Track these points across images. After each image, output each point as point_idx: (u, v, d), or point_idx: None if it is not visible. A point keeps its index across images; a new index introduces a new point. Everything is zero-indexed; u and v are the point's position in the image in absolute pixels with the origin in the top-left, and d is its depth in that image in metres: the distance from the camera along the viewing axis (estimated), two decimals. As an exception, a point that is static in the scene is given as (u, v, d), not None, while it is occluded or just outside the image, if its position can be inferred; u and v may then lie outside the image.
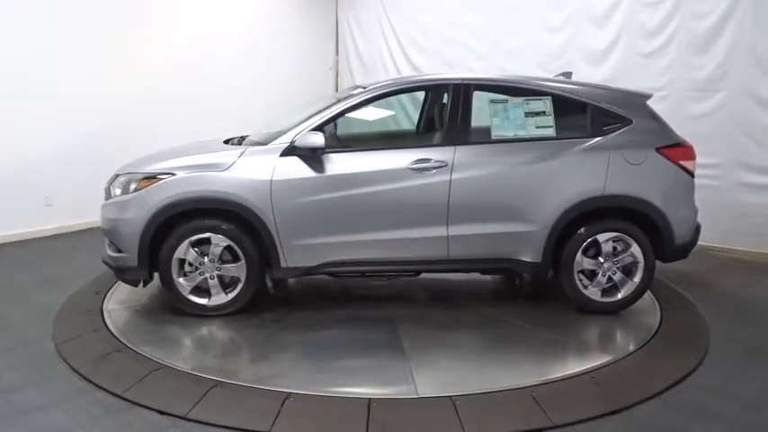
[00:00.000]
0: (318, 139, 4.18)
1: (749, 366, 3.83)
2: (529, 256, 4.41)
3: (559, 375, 3.59)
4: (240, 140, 4.76)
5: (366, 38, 9.89)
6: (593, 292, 4.45)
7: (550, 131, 4.42)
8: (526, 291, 5.00)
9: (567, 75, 4.99)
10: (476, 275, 4.76)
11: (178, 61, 8.06)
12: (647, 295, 4.74)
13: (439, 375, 3.62)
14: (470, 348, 4.03)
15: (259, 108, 8.38)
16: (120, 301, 4.76)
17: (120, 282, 4.78)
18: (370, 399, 3.27)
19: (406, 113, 6.67)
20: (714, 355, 3.94)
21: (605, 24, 7.11)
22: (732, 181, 6.33)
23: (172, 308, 4.48)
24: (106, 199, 4.47)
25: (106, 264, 4.46)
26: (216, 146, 4.66)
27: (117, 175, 4.46)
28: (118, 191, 4.35)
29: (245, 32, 8.97)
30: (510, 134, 4.43)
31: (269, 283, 5.04)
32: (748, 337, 4.30)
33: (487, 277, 5.25)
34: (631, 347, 4.01)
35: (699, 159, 4.63)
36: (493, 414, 3.20)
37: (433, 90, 4.79)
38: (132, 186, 4.28)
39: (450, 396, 3.31)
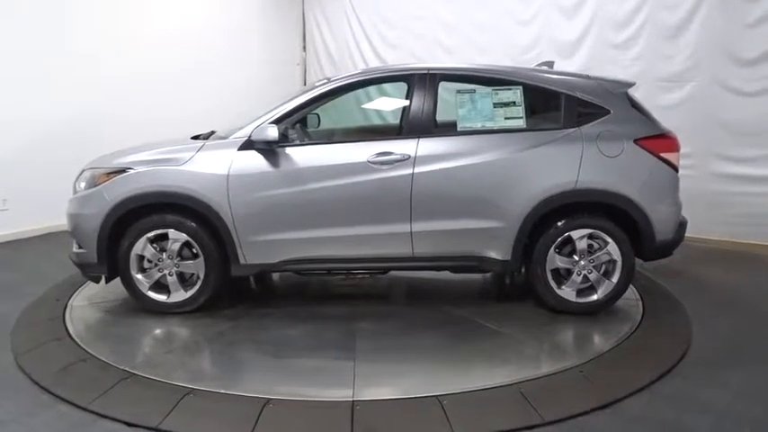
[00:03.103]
0: (273, 132, 3.95)
1: (734, 355, 3.72)
2: (497, 253, 4.14)
3: (543, 372, 3.42)
4: (208, 136, 4.48)
5: (334, 33, 9.68)
6: (567, 293, 4.19)
7: (520, 123, 4.16)
8: (506, 290, 4.83)
9: (549, 64, 4.75)
10: (449, 274, 4.49)
11: (146, 58, 7.76)
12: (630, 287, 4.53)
13: (388, 378, 3.41)
14: (434, 349, 3.76)
15: (227, 104, 8.07)
16: (84, 305, 4.56)
17: (83, 286, 4.80)
18: (353, 401, 3.08)
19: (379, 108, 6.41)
20: (698, 346, 3.80)
21: (575, 16, 7.08)
22: (705, 171, 6.30)
23: (137, 308, 4.32)
24: (74, 194, 4.34)
25: (71, 260, 4.29)
26: (180, 141, 4.42)
27: (83, 170, 4.34)
28: (83, 185, 4.24)
29: (211, 28, 8.70)
30: (477, 125, 4.17)
31: (252, 279, 4.91)
32: (730, 326, 4.19)
33: (461, 276, 4.97)
34: (616, 341, 3.84)
35: None
36: (482, 412, 3.02)
37: (398, 81, 4.51)
38: (94, 181, 4.18)
39: (437, 396, 3.12)
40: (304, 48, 10.16)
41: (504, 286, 4.99)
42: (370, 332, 4.00)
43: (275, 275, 5.14)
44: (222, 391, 3.17)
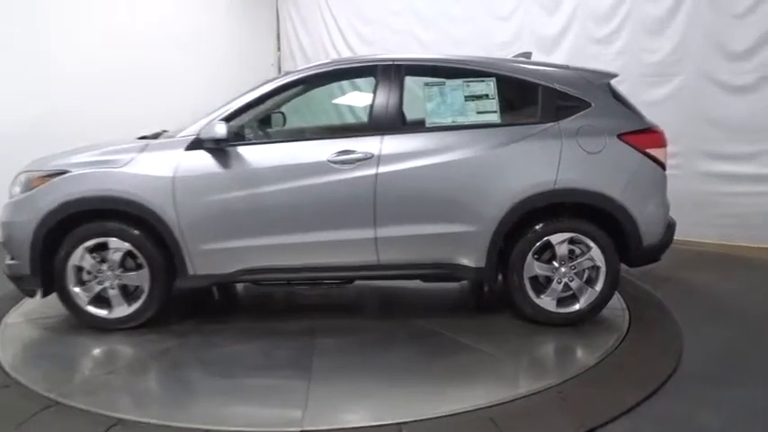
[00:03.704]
0: (221, 130, 3.61)
1: (730, 370, 3.39)
2: (470, 260, 3.79)
3: (520, 393, 3.07)
4: (157, 136, 4.10)
5: (309, 31, 9.35)
6: (547, 302, 3.84)
7: (494, 117, 3.83)
8: (484, 301, 4.51)
9: (527, 55, 4.41)
10: (422, 283, 4.16)
11: (109, 57, 7.33)
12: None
13: (344, 402, 3.05)
14: (399, 367, 3.40)
15: (198, 104, 7.61)
16: (19, 322, 4.17)
17: (22, 302, 4.40)
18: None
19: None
20: (690, 360, 3.48)
21: (556, 10, 6.80)
22: (693, 170, 5.99)
23: (79, 326, 3.92)
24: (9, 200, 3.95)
25: (4, 273, 3.91)
26: (125, 141, 4.04)
27: (19, 173, 3.95)
28: (17, 189, 3.87)
29: (180, 27, 8.29)
30: (447, 121, 3.83)
31: (214, 290, 4.57)
32: (724, 336, 3.86)
33: (436, 285, 4.60)
34: (600, 355, 3.49)
35: None
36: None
37: (361, 73, 4.16)
38: (29, 185, 3.82)
39: (397, 423, 2.78)
40: (279, 48, 9.80)
41: (482, 296, 4.63)
42: (330, 349, 3.64)
43: (239, 286, 4.77)
44: (154, 422, 2.80)
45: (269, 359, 3.51)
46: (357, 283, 4.45)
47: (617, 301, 4.27)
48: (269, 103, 4.11)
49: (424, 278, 4.03)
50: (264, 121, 4.38)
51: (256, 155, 3.75)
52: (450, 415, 2.85)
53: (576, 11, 6.60)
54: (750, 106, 5.66)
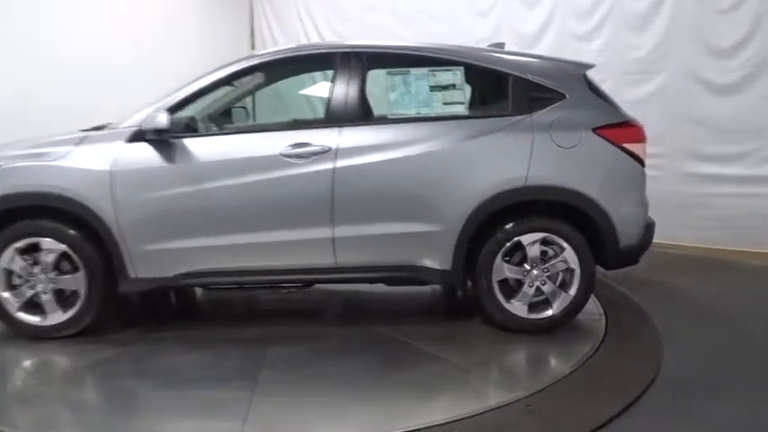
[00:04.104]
0: (162, 120, 3.33)
1: (712, 379, 3.17)
2: (435, 262, 3.52)
3: (485, 407, 2.79)
4: (99, 129, 3.78)
5: (284, 29, 9.08)
6: (517, 307, 3.57)
7: (461, 109, 3.58)
8: (455, 306, 4.26)
9: (500, 45, 4.15)
10: (387, 287, 3.90)
11: (76, 48, 7.00)
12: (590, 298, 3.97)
13: (288, 419, 2.74)
14: (355, 379, 3.11)
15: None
16: None
17: None
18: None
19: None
20: (670, 368, 3.24)
21: (535, 5, 6.60)
22: (675, 171, 5.82)
23: (9, 334, 3.60)
24: None
25: None
26: (64, 133, 3.72)
27: None
28: None
29: (153, 23, 8.03)
30: (411, 112, 3.57)
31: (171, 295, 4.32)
32: (706, 343, 3.65)
33: (406, 289, 4.27)
34: (574, 364, 3.24)
35: None
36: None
37: (318, 61, 3.88)
38: None
39: None
40: (253, 46, 9.52)
41: (453, 301, 4.36)
42: (282, 358, 3.34)
43: (197, 290, 4.45)
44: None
45: (214, 370, 3.21)
46: (320, 287, 4.21)
47: (593, 305, 4.02)
48: (225, 94, 3.83)
49: (387, 281, 3.76)
50: (224, 115, 4.09)
51: (203, 148, 3.47)
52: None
53: (556, 6, 6.40)
54: (735, 105, 5.48)
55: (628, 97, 5.64)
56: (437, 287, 4.36)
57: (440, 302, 4.44)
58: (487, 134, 3.48)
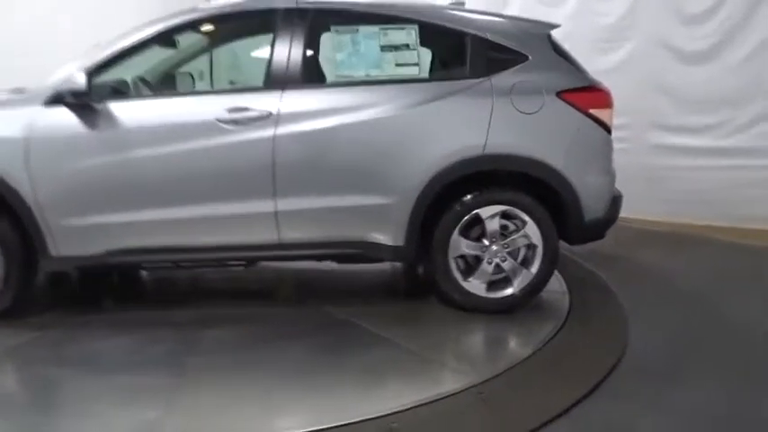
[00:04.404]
0: (79, 81, 3.00)
1: (680, 362, 2.96)
2: (387, 237, 3.25)
3: (434, 395, 2.52)
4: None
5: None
6: (475, 286, 3.33)
7: (415, 70, 3.29)
8: (418, 284, 3.99)
9: (459, 4, 3.87)
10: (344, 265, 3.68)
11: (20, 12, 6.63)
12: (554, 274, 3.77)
13: (212, 411, 2.44)
14: (294, 365, 2.84)
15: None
16: None
17: None
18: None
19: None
20: (635, 351, 3.03)
21: None
22: (644, 143, 5.65)
23: None
24: None
25: None
26: None
27: None
28: None
29: None
30: (360, 74, 3.28)
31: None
32: (674, 323, 3.44)
33: (361, 267, 4.01)
34: (533, 347, 3.00)
35: None
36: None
37: (259, 18, 3.54)
38: None
39: None
40: None
41: (412, 279, 4.11)
42: (217, 343, 3.07)
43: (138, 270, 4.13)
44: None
45: (140, 355, 2.93)
46: (269, 264, 3.92)
47: (557, 282, 3.82)
48: (170, 56, 3.48)
49: (336, 259, 3.48)
50: (165, 80, 3.74)
51: (131, 113, 3.14)
52: (343, 425, 2.31)
53: (522, -29, 6.11)
54: (705, 74, 5.29)
55: (596, 66, 5.34)
56: (397, 264, 4.09)
57: (398, 281, 4.19)
58: (443, 98, 3.20)
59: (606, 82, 3.60)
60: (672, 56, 5.44)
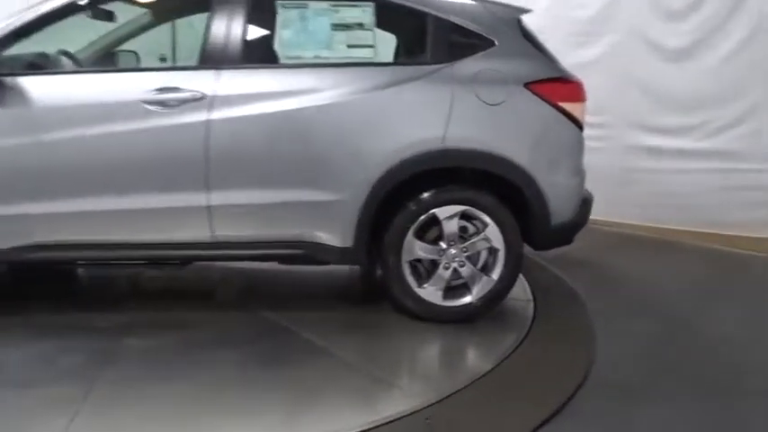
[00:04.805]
0: None
1: (652, 379, 2.67)
2: (334, 238, 2.94)
3: (373, 420, 2.19)
4: None
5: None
6: (431, 293, 3.03)
7: (369, 53, 2.97)
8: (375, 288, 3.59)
9: None
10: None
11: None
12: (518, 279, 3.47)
13: (118, 426, 2.16)
14: (218, 380, 2.50)
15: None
16: None
17: None
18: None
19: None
20: (604, 366, 2.76)
21: None
22: (620, 143, 5.34)
23: None
24: None
25: None
26: None
27: None
28: None
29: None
30: (308, 55, 2.93)
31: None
32: (647, 335, 3.16)
33: (314, 268, 3.60)
34: (492, 363, 2.71)
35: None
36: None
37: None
38: None
39: None
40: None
41: (370, 282, 3.78)
42: (137, 352, 2.73)
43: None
44: None
45: (47, 366, 2.56)
46: (213, 264, 3.58)
47: (522, 289, 3.55)
48: (90, 27, 3.12)
49: (280, 260, 3.15)
50: (90, 55, 3.37)
51: (44, 89, 2.78)
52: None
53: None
54: (689, 71, 5.01)
55: (570, 61, 5.03)
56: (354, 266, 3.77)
57: (353, 284, 3.87)
58: (398, 85, 2.89)
59: (582, 77, 3.34)
60: (652, 52, 5.16)
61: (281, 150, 2.84)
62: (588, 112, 4.37)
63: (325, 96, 2.84)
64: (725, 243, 4.79)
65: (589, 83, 4.43)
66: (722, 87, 4.88)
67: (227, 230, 2.90)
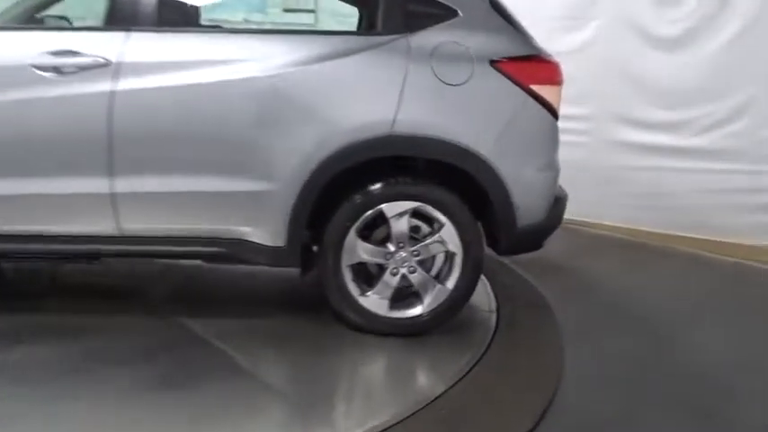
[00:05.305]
0: None
1: (623, 408, 2.31)
2: (262, 235, 2.52)
3: None
4: None
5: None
6: (375, 302, 2.60)
7: (309, 19, 2.52)
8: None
9: None
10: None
11: None
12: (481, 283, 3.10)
13: None
14: (101, 402, 2.07)
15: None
16: None
17: None
18: None
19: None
20: (570, 388, 2.39)
21: None
22: (603, 137, 4.99)
23: None
24: None
25: None
26: None
27: None
28: None
29: None
30: (236, 18, 2.51)
31: None
32: (618, 351, 2.78)
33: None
34: (438, 390, 2.30)
35: (564, 109, 2.88)
36: None
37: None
38: None
39: None
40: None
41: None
42: (21, 365, 2.30)
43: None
44: None
45: None
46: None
47: (485, 297, 3.16)
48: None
49: (201, 259, 2.71)
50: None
51: None
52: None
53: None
54: (681, 61, 4.63)
55: (554, 47, 4.69)
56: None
57: (294, 287, 3.42)
58: (342, 57, 2.45)
59: (566, 65, 2.93)
60: (641, 39, 4.79)
61: (199, 130, 2.40)
62: (569, 104, 4.02)
63: (254, 68, 2.40)
64: (714, 250, 4.44)
65: (571, 72, 4.06)
66: (716, 80, 4.51)
67: (136, 224, 2.47)
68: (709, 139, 4.55)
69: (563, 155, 2.84)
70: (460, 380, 2.39)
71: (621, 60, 4.86)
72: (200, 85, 2.37)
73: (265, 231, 2.51)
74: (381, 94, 2.46)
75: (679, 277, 4.02)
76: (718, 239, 4.43)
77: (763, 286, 3.96)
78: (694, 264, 4.28)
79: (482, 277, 3.12)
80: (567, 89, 3.00)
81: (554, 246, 2.95)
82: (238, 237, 2.52)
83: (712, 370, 2.68)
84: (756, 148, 4.38)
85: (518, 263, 3.69)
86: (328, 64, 2.43)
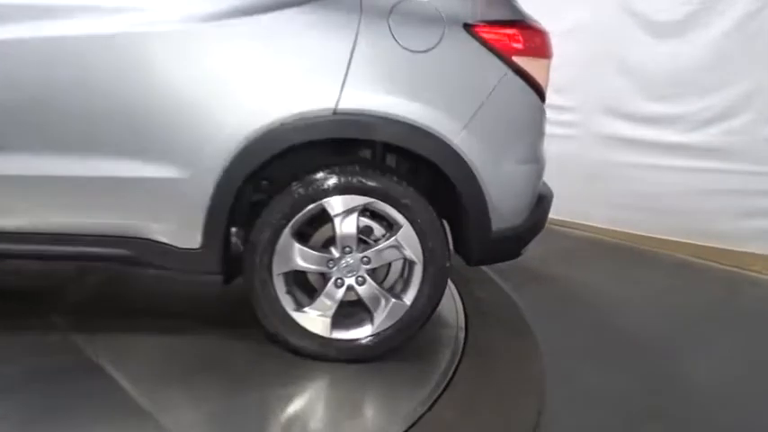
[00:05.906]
0: None
1: None
2: (172, 235, 2.02)
3: None
4: None
5: None
6: (313, 320, 2.11)
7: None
8: None
9: None
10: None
11: None
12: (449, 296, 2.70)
13: None
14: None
15: None
16: None
17: None
18: None
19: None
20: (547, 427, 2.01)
21: None
22: (592, 131, 4.62)
23: None
24: None
25: None
26: None
27: None
28: None
29: None
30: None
31: None
32: (608, 382, 2.36)
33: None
34: (396, 428, 1.89)
35: (550, 99, 2.39)
36: None
37: None
38: None
39: None
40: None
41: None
42: None
43: None
44: None
45: None
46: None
47: (452, 312, 2.68)
48: None
49: (105, 262, 2.19)
50: None
51: None
52: None
53: None
54: (678, 50, 4.22)
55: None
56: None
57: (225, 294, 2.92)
58: (274, 11, 1.93)
59: (555, 53, 2.46)
60: (636, 24, 4.38)
61: (85, 98, 1.87)
62: (556, 93, 3.58)
63: (150, 20, 1.88)
64: (705, 256, 4.05)
65: (560, 59, 3.63)
66: (714, 71, 4.11)
67: (4, 218, 1.93)
68: (703, 136, 4.18)
69: (550, 149, 2.38)
70: (418, 420, 1.94)
71: (615, 47, 4.45)
72: (83, 38, 1.85)
73: (176, 230, 1.99)
74: (323, 60, 1.95)
75: (670, 287, 3.57)
76: (709, 245, 4.06)
77: (762, 300, 3.54)
78: (685, 270, 3.88)
79: (450, 285, 2.67)
80: (553, 79, 2.54)
81: (535, 251, 2.47)
82: (144, 236, 2.00)
83: (717, 401, 2.28)
84: (757, 147, 4.00)
85: (494, 269, 3.23)
86: (254, 19, 1.91)
